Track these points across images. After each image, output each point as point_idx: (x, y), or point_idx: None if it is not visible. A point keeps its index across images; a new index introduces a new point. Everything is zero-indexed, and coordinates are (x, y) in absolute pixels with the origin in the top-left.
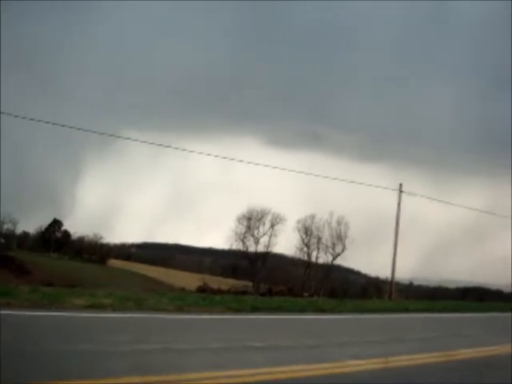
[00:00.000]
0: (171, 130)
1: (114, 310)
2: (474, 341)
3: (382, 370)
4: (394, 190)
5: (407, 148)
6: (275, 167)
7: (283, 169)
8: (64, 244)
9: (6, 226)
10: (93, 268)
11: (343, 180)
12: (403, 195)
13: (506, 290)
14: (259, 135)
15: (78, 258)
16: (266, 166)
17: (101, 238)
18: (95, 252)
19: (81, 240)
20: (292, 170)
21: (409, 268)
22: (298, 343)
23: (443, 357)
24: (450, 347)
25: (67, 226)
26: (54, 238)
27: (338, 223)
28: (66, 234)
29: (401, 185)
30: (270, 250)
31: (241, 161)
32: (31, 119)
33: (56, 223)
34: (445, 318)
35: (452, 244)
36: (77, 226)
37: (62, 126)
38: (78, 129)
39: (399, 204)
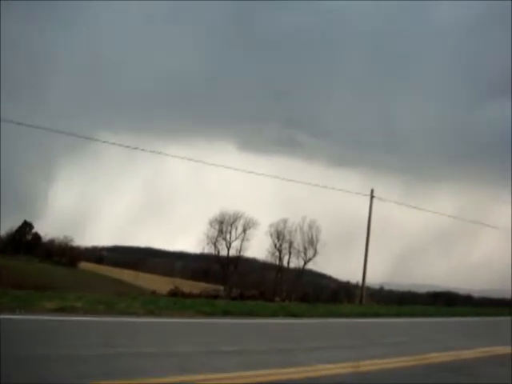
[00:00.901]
0: (144, 133)
1: (85, 313)
2: (443, 345)
3: (353, 374)
4: (365, 195)
5: (381, 154)
6: (249, 171)
7: (253, 172)
8: (34, 246)
9: None
10: (63, 271)
11: (316, 185)
12: (376, 201)
13: (476, 295)
14: (233, 139)
15: (48, 260)
16: (239, 169)
17: (71, 240)
18: (65, 254)
19: (51, 242)
20: (264, 174)
21: (380, 272)
22: (269, 347)
23: (413, 361)
24: (419, 351)
25: (39, 228)
26: (25, 241)
27: (310, 228)
28: (37, 236)
29: (372, 190)
30: (241, 254)
31: (213, 164)
32: (3, 120)
33: (26, 225)
34: (415, 322)
35: (423, 249)
36: (48, 228)
37: (37, 127)
38: (54, 130)
39: (370, 209)
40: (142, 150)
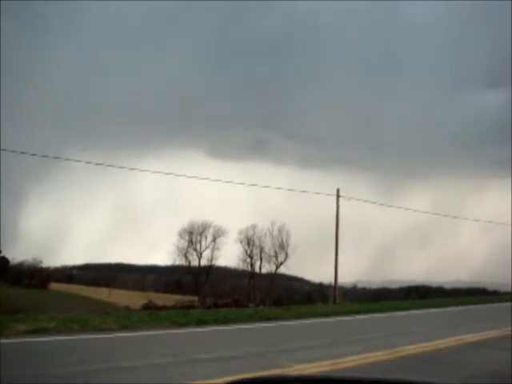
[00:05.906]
0: (112, 147)
1: (58, 333)
2: (418, 337)
3: (332, 371)
4: (328, 195)
5: (353, 154)
6: (216, 180)
7: (218, 180)
8: (3, 271)
9: None
10: (34, 293)
11: (282, 188)
12: (348, 201)
13: (448, 286)
14: (200, 148)
15: (18, 284)
16: (206, 178)
17: (41, 261)
18: (35, 277)
19: (20, 265)
20: (231, 182)
21: (353, 272)
22: (244, 352)
23: (389, 354)
24: (394, 345)
25: (6, 252)
26: None
27: (280, 232)
28: (4, 260)
29: (338, 190)
30: (213, 263)
31: (173, 173)
32: None
33: None
34: (389, 317)
35: (396, 246)
36: (17, 251)
37: (3, 150)
38: (22, 153)
39: (337, 209)
40: (100, 164)
